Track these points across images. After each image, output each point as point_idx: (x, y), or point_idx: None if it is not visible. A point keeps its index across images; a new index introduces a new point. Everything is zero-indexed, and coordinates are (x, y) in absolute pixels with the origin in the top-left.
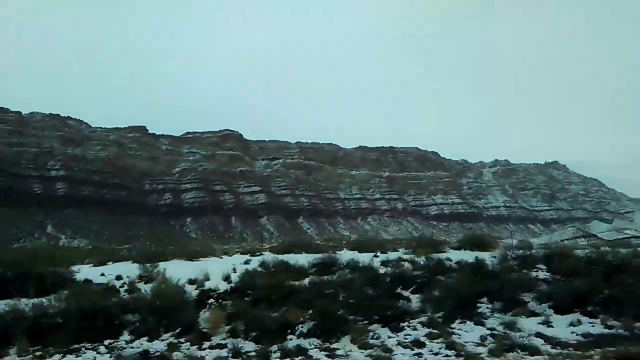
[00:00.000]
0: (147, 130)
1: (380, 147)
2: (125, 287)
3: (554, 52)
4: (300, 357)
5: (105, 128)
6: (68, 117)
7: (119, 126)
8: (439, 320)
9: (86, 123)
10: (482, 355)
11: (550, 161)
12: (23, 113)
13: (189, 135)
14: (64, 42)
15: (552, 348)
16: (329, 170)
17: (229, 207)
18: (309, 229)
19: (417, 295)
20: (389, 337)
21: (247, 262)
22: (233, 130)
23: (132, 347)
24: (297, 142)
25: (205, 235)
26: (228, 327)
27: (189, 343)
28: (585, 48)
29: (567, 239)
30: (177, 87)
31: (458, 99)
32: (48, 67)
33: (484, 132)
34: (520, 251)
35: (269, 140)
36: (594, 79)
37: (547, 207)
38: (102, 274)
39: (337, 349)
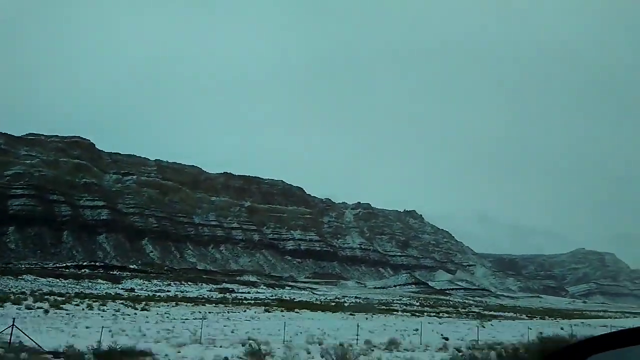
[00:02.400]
0: None
1: (245, 176)
2: None
3: (426, 108)
4: None
5: None
6: None
7: None
8: None
9: None
10: None
11: (408, 210)
12: None
13: (31, 137)
14: None
15: None
16: (188, 193)
17: (63, 220)
18: (152, 251)
19: None
20: None
21: None
22: (84, 138)
23: None
24: (156, 160)
25: (27, 247)
26: None
27: None
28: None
29: (399, 285)
30: (26, 80)
31: (329, 140)
32: None
33: (352, 175)
34: None
35: (124, 154)
36: (455, 139)
37: (400, 253)
38: None
39: None
